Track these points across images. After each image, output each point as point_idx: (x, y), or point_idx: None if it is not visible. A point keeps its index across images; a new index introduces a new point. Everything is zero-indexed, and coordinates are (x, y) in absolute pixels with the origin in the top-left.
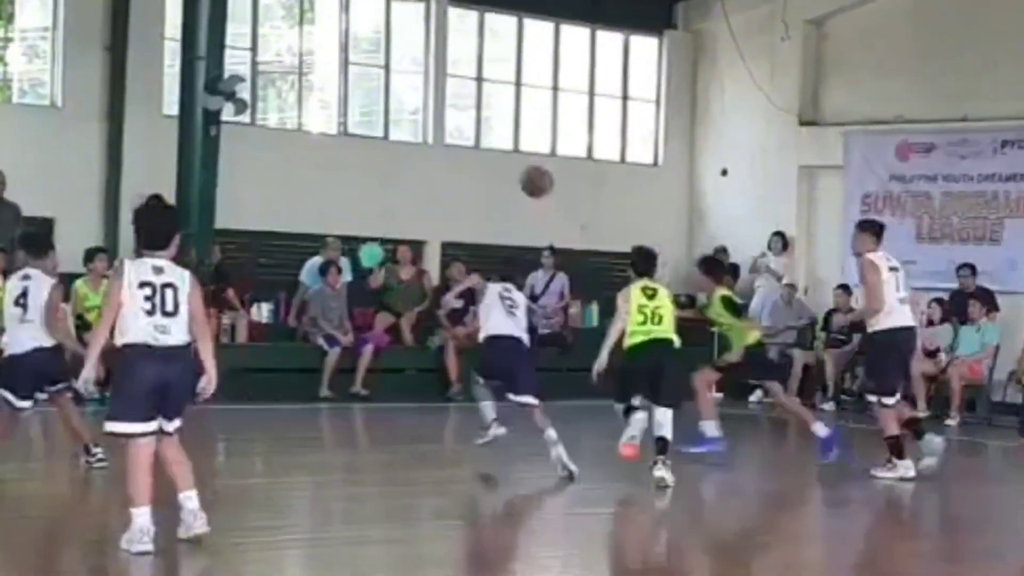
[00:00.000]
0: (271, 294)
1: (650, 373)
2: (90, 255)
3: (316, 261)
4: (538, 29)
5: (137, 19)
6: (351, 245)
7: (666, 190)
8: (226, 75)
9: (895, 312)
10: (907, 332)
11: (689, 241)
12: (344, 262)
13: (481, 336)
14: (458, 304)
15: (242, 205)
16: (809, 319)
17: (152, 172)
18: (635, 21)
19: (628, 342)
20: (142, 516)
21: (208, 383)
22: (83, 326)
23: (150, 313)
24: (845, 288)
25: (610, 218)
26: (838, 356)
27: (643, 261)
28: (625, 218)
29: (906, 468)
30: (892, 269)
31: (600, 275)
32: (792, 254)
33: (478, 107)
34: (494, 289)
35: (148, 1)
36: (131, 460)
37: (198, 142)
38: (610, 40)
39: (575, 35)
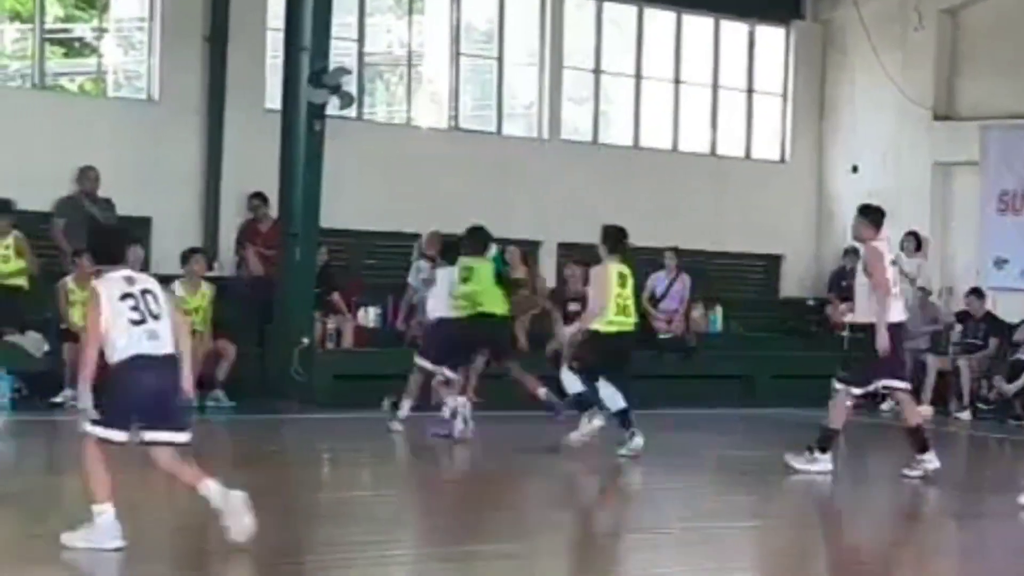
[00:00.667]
0: (378, 297)
1: (619, 359)
2: (186, 256)
3: (424, 262)
4: (659, 19)
5: (238, 8)
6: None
7: (793, 188)
8: (332, 67)
9: (891, 307)
10: (900, 327)
11: (817, 242)
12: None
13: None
14: (575, 308)
15: (348, 204)
16: (943, 323)
17: (253, 169)
18: (761, 11)
19: (604, 328)
20: (107, 513)
21: (187, 386)
22: None
23: (140, 322)
24: (978, 292)
25: (734, 218)
26: (973, 362)
27: (616, 239)
28: (750, 217)
29: (825, 463)
30: (892, 263)
31: (725, 277)
32: (926, 255)
33: (596, 101)
34: (446, 274)
35: None
36: (92, 458)
37: (302, 138)
38: (735, 30)
39: (698, 25)
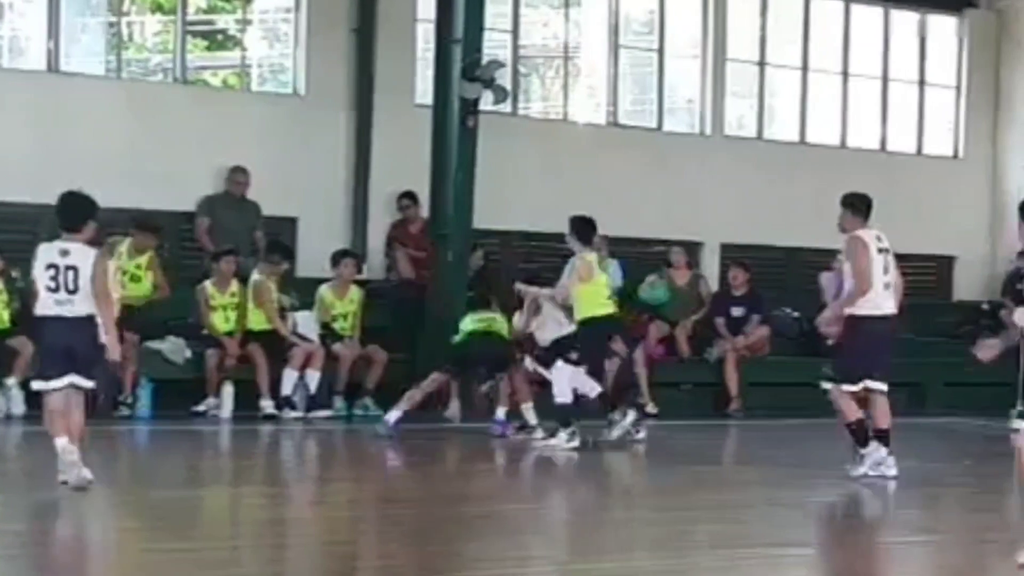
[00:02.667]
0: None
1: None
2: (336, 259)
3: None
4: (826, 9)
5: None
6: (621, 247)
7: (967, 186)
8: (485, 60)
9: (878, 298)
10: (887, 321)
11: (992, 242)
12: (614, 265)
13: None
14: (739, 312)
15: (502, 203)
16: None
17: (403, 167)
18: None
19: (597, 312)
20: (61, 440)
21: (112, 350)
22: (330, 335)
23: (54, 291)
24: None
25: (905, 217)
26: None
27: (590, 230)
28: (921, 217)
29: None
30: (881, 251)
31: None
32: None
33: (760, 95)
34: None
35: None
36: (50, 407)
37: (454, 134)
38: (905, 20)
39: (866, 15)
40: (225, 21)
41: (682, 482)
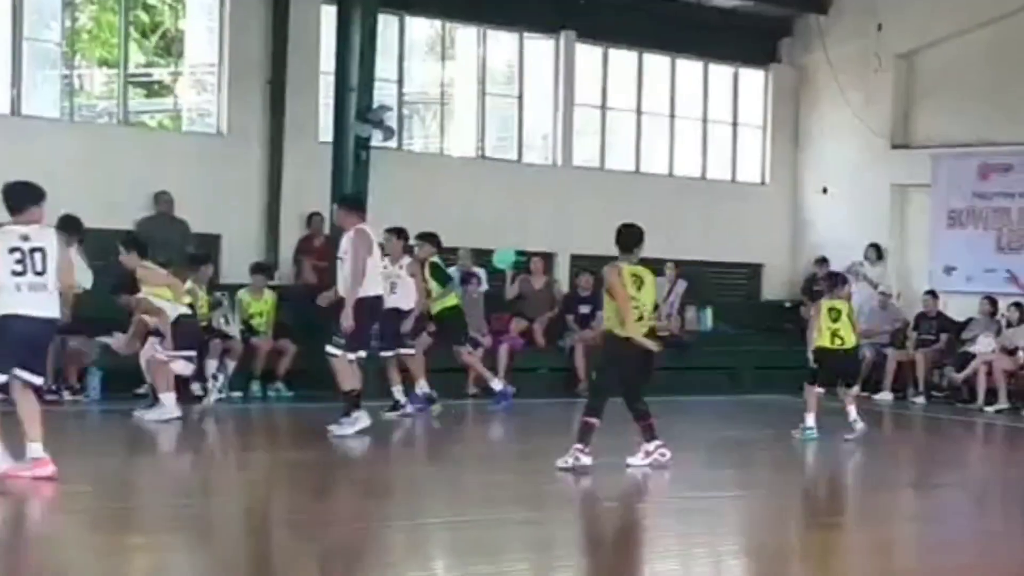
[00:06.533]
0: None
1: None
2: (252, 270)
3: (452, 272)
4: (656, 62)
5: (295, 55)
6: (488, 257)
7: (772, 207)
8: (375, 105)
9: (375, 282)
10: (377, 300)
11: (793, 252)
12: (481, 272)
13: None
14: (586, 309)
15: (390, 222)
16: (902, 322)
17: (308, 193)
18: (744, 55)
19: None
20: None
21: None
22: (248, 330)
23: (20, 274)
24: (932, 293)
25: (722, 232)
26: (927, 355)
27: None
28: (735, 232)
29: (362, 419)
30: (380, 244)
31: (714, 283)
32: (886, 263)
33: (602, 133)
34: None
35: (305, 38)
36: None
37: (350, 166)
38: (721, 72)
39: (689, 68)
40: (160, 73)
41: (540, 449)
